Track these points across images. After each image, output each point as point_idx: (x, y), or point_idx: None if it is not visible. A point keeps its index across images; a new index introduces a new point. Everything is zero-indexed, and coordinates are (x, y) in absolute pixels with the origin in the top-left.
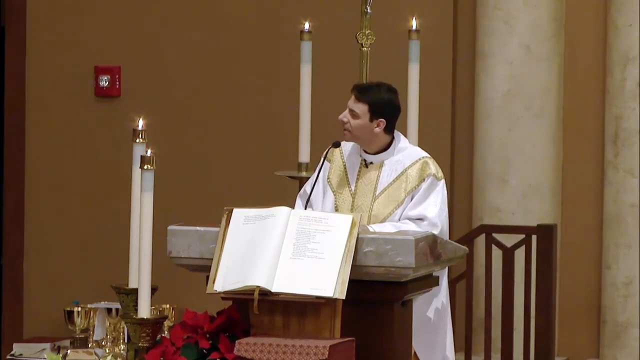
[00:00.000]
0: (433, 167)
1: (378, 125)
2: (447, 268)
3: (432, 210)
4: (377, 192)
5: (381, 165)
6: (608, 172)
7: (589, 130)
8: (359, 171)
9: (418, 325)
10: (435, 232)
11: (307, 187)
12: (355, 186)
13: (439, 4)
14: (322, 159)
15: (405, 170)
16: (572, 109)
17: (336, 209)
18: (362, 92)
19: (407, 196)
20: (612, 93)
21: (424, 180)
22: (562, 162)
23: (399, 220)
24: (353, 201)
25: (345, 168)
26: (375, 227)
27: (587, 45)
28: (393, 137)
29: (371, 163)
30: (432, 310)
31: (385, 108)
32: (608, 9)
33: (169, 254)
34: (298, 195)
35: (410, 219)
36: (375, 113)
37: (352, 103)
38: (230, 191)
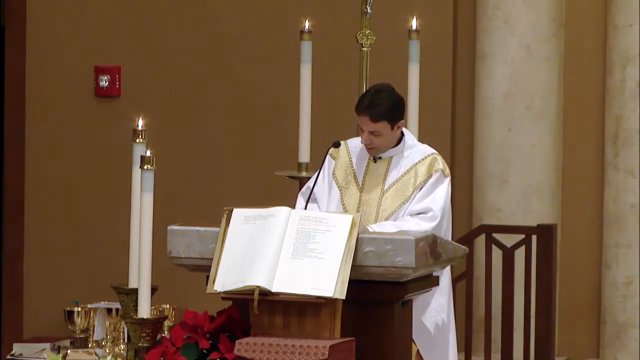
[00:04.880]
0: (441, 164)
1: (399, 128)
2: (450, 283)
3: (437, 203)
4: (386, 187)
5: (390, 160)
6: (608, 172)
7: (589, 130)
8: (367, 166)
9: (418, 328)
10: (435, 222)
11: (310, 184)
12: (363, 181)
13: (439, 4)
14: (324, 158)
15: (414, 165)
16: (572, 109)
17: (343, 205)
18: (374, 110)
19: (415, 191)
20: (612, 93)
21: (431, 175)
22: (562, 162)
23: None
24: (361, 196)
25: (352, 163)
26: (375, 227)
27: (587, 45)
28: (402, 132)
29: (380, 158)
30: (433, 323)
31: (398, 110)
32: (608, 9)
33: (169, 254)
34: (300, 193)
35: (414, 212)
36: (393, 121)
37: (369, 126)
38: (230, 191)
